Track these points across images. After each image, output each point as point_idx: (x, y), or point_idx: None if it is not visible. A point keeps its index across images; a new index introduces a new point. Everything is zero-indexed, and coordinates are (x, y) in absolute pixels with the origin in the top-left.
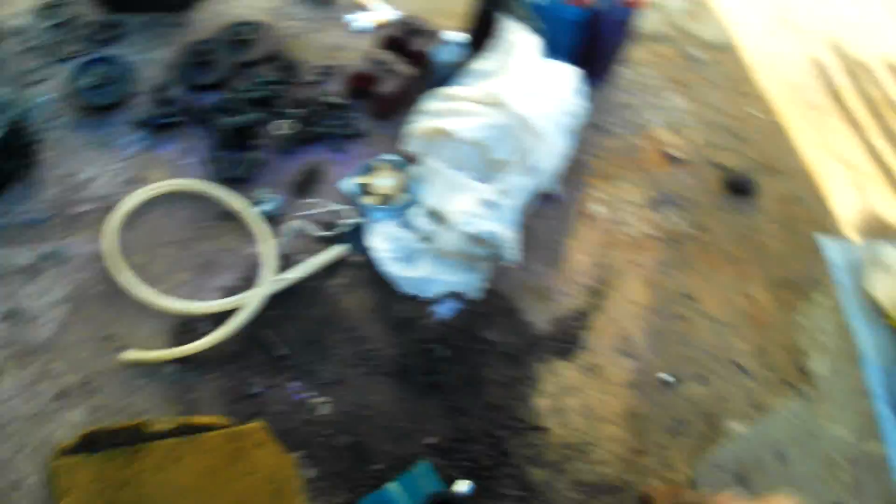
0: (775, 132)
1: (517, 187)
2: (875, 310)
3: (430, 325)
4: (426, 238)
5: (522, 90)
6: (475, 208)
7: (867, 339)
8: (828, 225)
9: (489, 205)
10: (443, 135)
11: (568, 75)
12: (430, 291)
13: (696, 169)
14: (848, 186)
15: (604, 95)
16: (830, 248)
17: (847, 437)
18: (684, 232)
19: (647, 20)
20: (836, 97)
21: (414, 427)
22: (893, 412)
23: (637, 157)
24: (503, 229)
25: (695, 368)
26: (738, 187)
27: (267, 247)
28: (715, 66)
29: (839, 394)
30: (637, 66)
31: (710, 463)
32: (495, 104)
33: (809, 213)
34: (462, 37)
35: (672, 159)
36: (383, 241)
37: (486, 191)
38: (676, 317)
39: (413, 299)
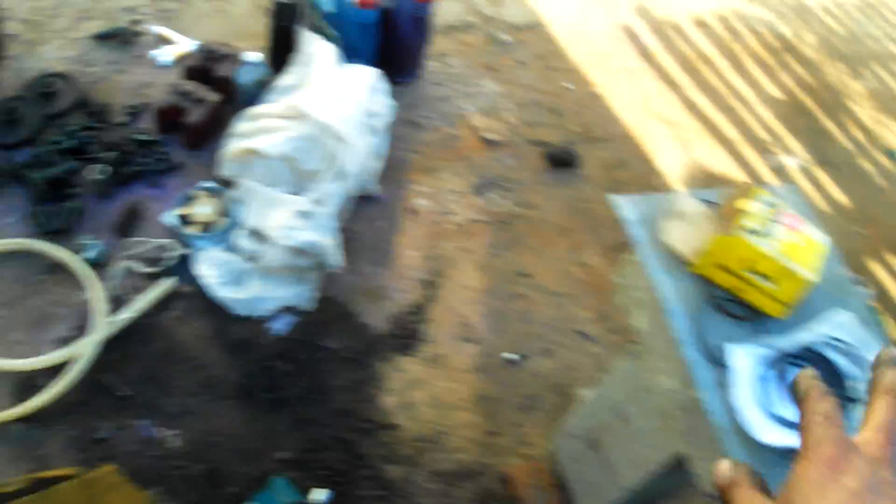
0: (593, 101)
1: (330, 194)
2: (673, 259)
3: (268, 343)
4: (251, 258)
5: (323, 99)
6: (292, 221)
7: (669, 289)
8: (654, 183)
9: (305, 215)
10: (253, 154)
11: (367, 77)
12: (263, 310)
13: (516, 149)
14: (671, 143)
15: (415, 91)
16: (623, 205)
17: (674, 386)
18: (512, 212)
19: (450, 11)
20: (649, 59)
21: (265, 445)
22: (703, 356)
23: (456, 147)
24: (322, 237)
25: (539, 343)
26: (561, 160)
27: (96, 292)
28: (524, 47)
29: (660, 346)
30: (446, 57)
31: (563, 433)
32: (298, 117)
33: (635, 175)
34: (262, 56)
35: (491, 143)
36: (210, 268)
37: (301, 202)
38: (514, 296)
39: (248, 320)
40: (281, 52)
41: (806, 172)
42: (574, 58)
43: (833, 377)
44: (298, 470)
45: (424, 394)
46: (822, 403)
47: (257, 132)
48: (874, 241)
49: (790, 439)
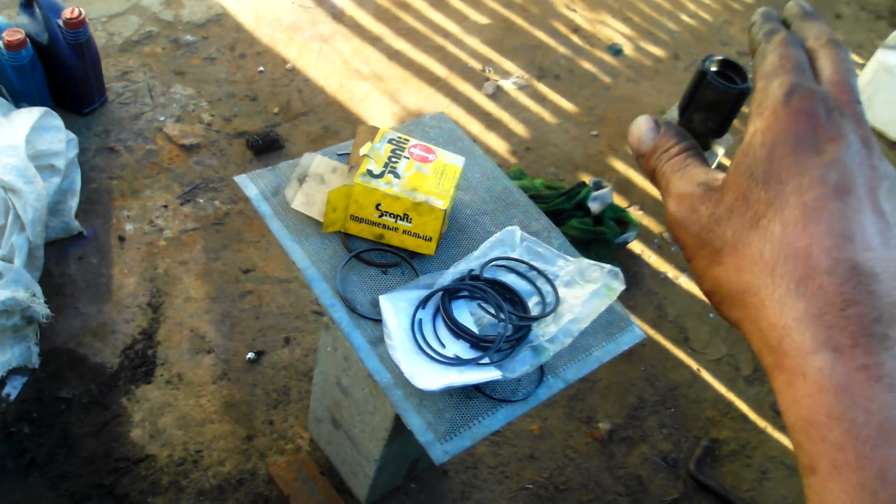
0: (289, 78)
1: (17, 247)
2: (308, 224)
3: (5, 410)
4: None
5: None
6: None
7: (299, 256)
8: None
9: None
10: None
11: (32, 118)
12: None
13: (216, 147)
14: (379, 98)
15: (105, 117)
16: (244, 184)
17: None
18: (222, 211)
19: (127, 25)
20: (343, 20)
21: None
22: (348, 315)
23: (156, 162)
24: (20, 291)
25: (277, 334)
26: (263, 146)
27: None
28: (211, 42)
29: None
30: (130, 74)
31: (312, 418)
32: None
33: (344, 140)
34: None
35: (190, 148)
36: None
37: None
38: (242, 294)
39: None
40: None
41: (525, 89)
42: (263, 39)
43: (511, 298)
44: None
45: (172, 417)
46: (777, 46)
47: None
48: (610, 138)
49: (454, 378)
